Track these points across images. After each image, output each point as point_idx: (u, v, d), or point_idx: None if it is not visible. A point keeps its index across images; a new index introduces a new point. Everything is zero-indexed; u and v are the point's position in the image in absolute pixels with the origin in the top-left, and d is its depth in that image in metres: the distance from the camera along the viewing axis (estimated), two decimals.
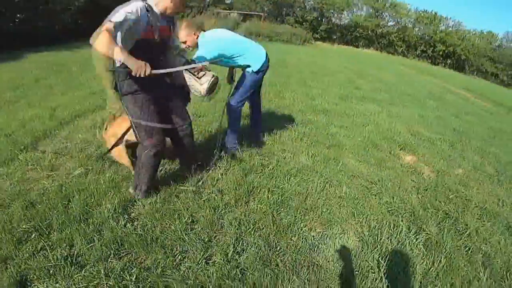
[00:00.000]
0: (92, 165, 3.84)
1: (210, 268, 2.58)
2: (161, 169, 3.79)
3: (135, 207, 3.21)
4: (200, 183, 3.57)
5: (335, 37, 27.63)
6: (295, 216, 3.26)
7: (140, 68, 2.47)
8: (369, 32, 26.53)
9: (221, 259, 2.67)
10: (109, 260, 2.60)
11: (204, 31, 3.86)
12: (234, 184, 3.64)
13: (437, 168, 4.65)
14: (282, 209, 3.36)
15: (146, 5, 2.73)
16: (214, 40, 3.84)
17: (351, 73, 11.66)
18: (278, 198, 3.50)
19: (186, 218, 3.06)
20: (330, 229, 3.16)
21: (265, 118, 5.59)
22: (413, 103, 8.40)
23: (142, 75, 2.49)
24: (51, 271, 2.48)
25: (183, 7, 3.03)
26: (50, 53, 13.79)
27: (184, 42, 3.74)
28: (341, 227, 3.20)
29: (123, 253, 2.70)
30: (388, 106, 7.60)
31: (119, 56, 2.44)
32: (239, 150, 4.32)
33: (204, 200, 3.33)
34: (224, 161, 4.06)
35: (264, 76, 4.23)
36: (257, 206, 3.35)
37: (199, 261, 2.65)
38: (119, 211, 3.10)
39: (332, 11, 28.06)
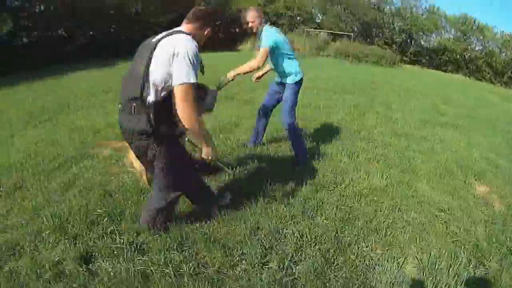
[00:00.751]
0: None
1: (264, 273, 2.63)
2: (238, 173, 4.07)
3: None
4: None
5: (423, 60, 26.49)
6: (358, 236, 3.20)
7: (209, 154, 2.51)
8: (457, 56, 25.09)
9: (277, 265, 2.71)
10: (171, 251, 2.77)
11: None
12: (304, 198, 3.68)
13: (509, 200, 4.31)
14: (347, 227, 3.31)
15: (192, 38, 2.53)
16: (276, 33, 4.17)
17: (436, 98, 11.18)
18: (345, 216, 3.47)
19: (252, 224, 3.15)
20: (390, 252, 3.05)
21: (345, 138, 5.64)
22: (494, 131, 7.82)
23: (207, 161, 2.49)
24: (115, 252, 2.74)
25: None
26: None
27: (252, 22, 4.10)
28: (402, 251, 3.08)
29: (185, 247, 2.86)
30: (469, 133, 7.15)
31: (196, 133, 2.42)
32: (313, 167, 4.40)
33: (272, 210, 3.40)
34: (297, 174, 4.13)
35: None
36: (322, 221, 3.35)
37: (255, 264, 2.71)
38: (190, 210, 3.29)
39: (421, 33, 27.04)
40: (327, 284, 2.61)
